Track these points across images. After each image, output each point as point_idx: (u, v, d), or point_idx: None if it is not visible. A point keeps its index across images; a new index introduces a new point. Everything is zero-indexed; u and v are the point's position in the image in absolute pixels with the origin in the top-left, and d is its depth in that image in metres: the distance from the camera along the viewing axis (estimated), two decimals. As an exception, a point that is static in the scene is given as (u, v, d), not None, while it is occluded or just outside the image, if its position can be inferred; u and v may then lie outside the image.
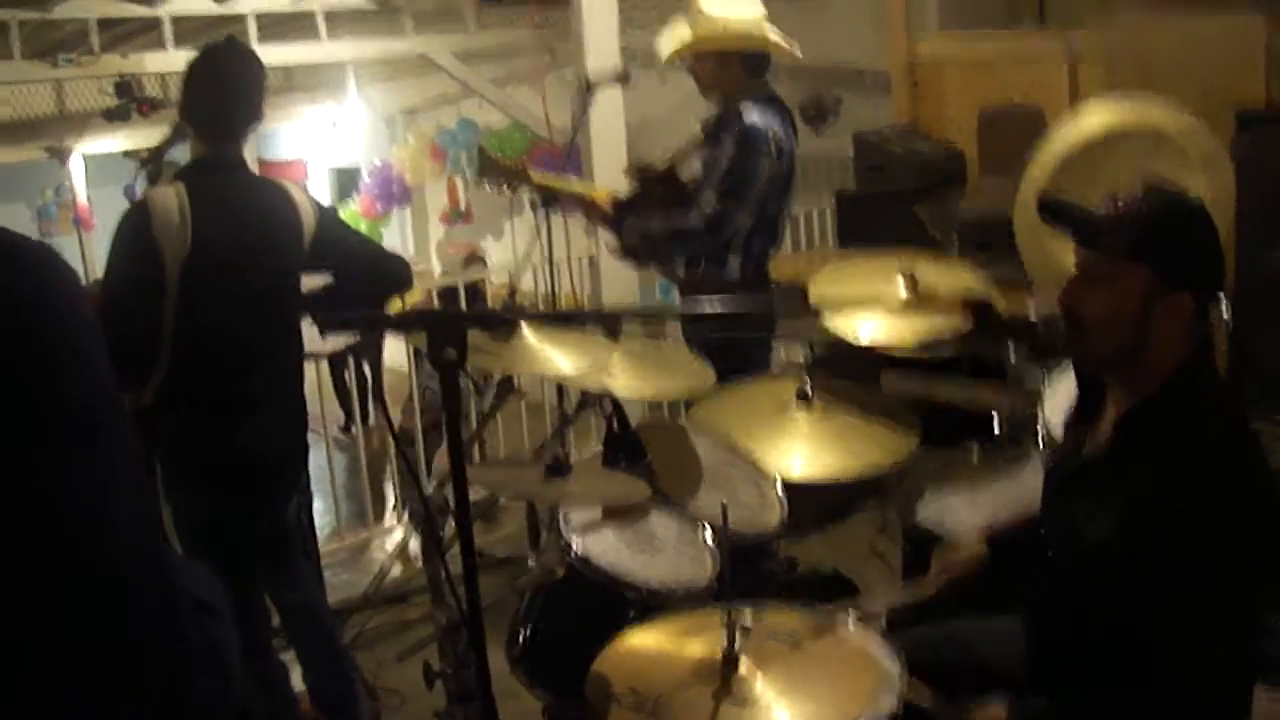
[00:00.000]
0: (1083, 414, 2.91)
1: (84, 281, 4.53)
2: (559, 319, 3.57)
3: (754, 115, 4.88)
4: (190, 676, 1.95)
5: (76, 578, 1.79)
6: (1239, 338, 4.93)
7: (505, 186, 4.90)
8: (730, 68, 4.98)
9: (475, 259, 10.74)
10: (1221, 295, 4.70)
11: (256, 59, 4.05)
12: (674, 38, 5.09)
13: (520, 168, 4.91)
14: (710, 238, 4.89)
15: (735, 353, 4.58)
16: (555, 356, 3.37)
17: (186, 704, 1.94)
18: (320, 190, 17.13)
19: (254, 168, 4.22)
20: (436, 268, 15.14)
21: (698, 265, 5.05)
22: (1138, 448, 2.62)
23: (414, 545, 6.09)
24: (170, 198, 3.77)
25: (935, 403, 6.23)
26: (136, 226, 3.77)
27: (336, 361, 7.87)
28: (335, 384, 8.19)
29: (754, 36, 4.93)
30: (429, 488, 3.64)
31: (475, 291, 7.22)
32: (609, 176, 6.18)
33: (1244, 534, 2.49)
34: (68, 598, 1.78)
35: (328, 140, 16.66)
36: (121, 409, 1.99)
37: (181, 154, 4.12)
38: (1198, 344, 2.65)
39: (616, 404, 3.49)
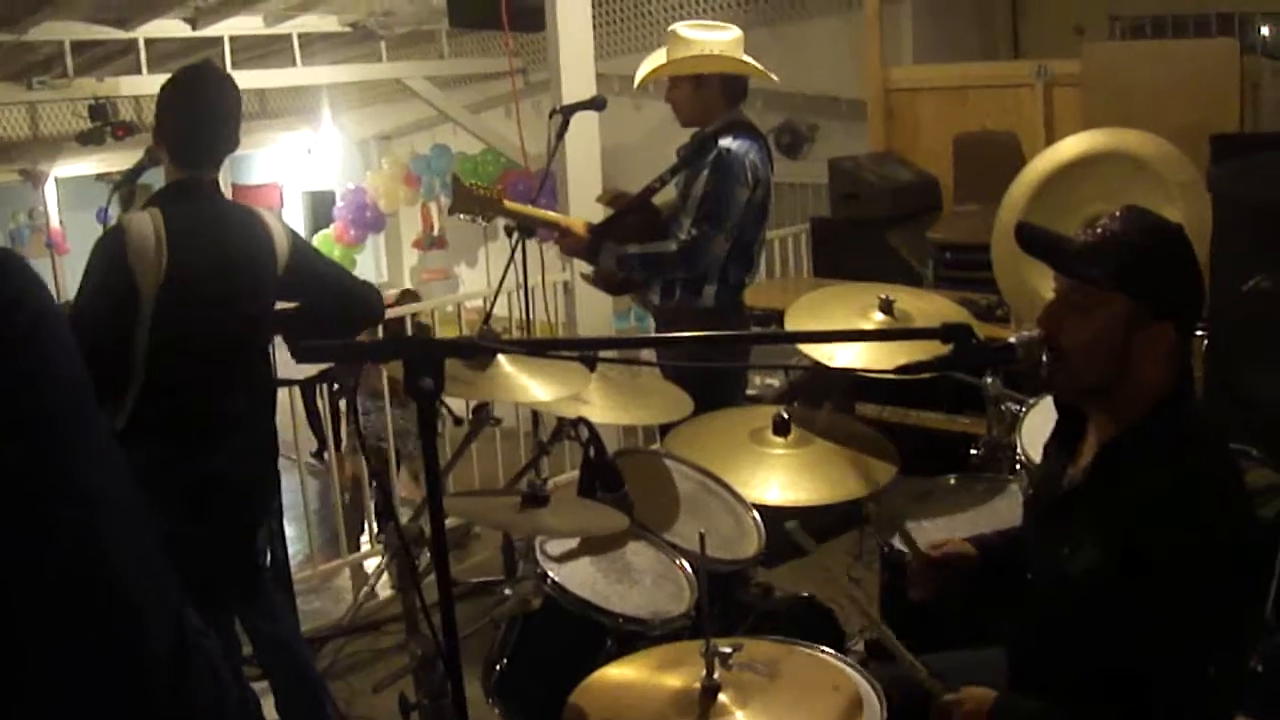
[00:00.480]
0: (1063, 442, 2.89)
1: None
2: (536, 347, 3.54)
3: (730, 143, 4.87)
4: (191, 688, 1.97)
5: (48, 586, 1.78)
6: (1214, 366, 4.93)
7: (480, 218, 4.86)
8: (708, 93, 4.97)
9: (408, 295, 10.62)
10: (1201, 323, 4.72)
11: (233, 84, 4.02)
12: (650, 61, 5.09)
13: (495, 198, 4.86)
14: (686, 265, 4.87)
15: (710, 381, 4.56)
16: (531, 384, 3.35)
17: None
18: (295, 215, 17.12)
19: (228, 192, 4.20)
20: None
21: (673, 294, 5.03)
22: (1120, 478, 2.59)
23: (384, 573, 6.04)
24: (146, 223, 3.74)
25: (913, 430, 6.27)
26: (112, 252, 3.73)
27: (309, 388, 7.83)
28: (308, 410, 8.17)
29: (729, 59, 4.92)
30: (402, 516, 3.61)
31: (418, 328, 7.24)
32: (583, 203, 6.17)
33: (1226, 564, 2.47)
34: (44, 607, 1.79)
35: (302, 165, 16.64)
36: (95, 423, 1.98)
37: (154, 178, 4.09)
38: (1178, 372, 2.63)
39: (593, 431, 3.46)
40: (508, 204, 4.93)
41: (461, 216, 4.87)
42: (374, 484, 7.62)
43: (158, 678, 1.91)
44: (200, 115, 3.93)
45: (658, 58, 5.07)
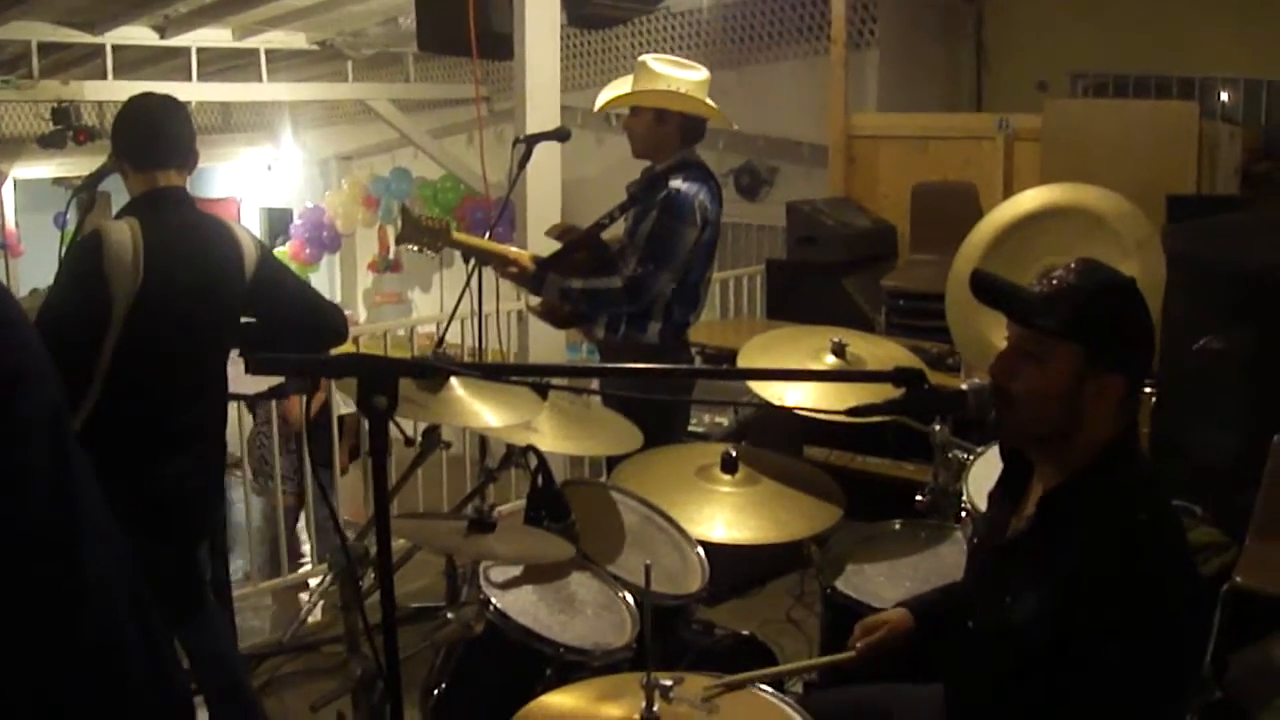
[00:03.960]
0: (1008, 491, 2.91)
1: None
2: (491, 372, 3.53)
3: (680, 184, 4.88)
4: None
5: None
6: (1160, 424, 4.96)
7: (428, 249, 4.84)
8: (667, 129, 4.95)
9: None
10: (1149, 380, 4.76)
11: (178, 101, 4.11)
12: (614, 87, 5.10)
13: (442, 228, 4.85)
14: (629, 301, 4.88)
15: (652, 416, 4.55)
16: (483, 410, 3.34)
17: None
18: (252, 231, 17.04)
19: (187, 204, 4.20)
20: (362, 315, 15.08)
21: (618, 329, 5.03)
22: (1061, 527, 2.60)
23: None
24: (124, 233, 3.74)
25: (859, 475, 6.29)
26: (88, 259, 3.73)
27: (258, 404, 7.78)
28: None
29: (694, 99, 4.93)
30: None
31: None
32: (542, 234, 6.15)
33: (1163, 617, 2.48)
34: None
35: (262, 181, 16.60)
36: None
37: (113, 186, 4.09)
38: (1125, 424, 2.65)
39: (541, 460, 3.46)
40: (455, 235, 4.92)
41: (410, 247, 4.86)
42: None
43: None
44: (151, 117, 3.99)
45: (622, 85, 5.07)
